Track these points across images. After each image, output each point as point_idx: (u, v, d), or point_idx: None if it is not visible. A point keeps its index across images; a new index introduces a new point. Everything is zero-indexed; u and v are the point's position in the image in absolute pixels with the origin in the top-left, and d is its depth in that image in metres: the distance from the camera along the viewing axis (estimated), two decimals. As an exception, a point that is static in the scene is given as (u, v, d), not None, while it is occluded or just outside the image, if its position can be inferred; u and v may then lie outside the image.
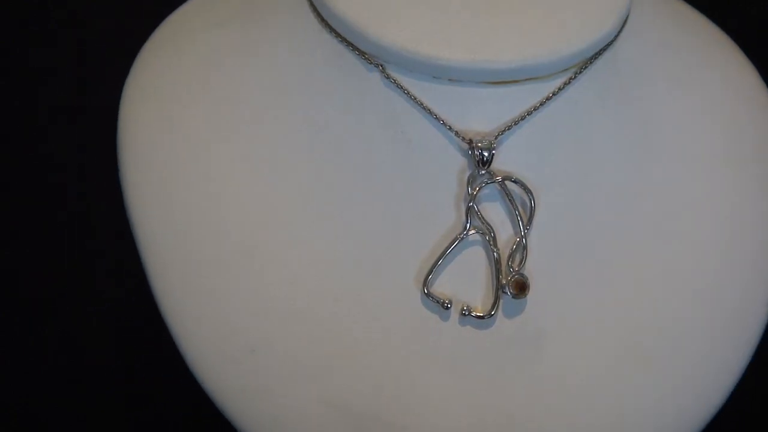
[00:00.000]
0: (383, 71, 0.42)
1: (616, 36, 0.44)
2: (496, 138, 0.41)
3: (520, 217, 0.42)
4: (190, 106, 0.45)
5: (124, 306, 0.67)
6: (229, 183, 0.43)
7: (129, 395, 0.63)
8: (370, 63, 0.42)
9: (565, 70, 0.42)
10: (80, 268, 0.69)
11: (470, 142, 0.41)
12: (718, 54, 0.49)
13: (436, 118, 0.42)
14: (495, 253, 0.42)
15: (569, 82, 0.42)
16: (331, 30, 0.43)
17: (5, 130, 0.76)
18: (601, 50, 0.43)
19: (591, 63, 0.43)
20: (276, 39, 0.45)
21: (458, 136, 0.42)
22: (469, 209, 0.41)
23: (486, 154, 0.41)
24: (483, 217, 0.42)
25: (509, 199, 0.42)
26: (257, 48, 0.45)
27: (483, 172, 0.41)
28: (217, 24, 0.47)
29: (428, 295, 0.41)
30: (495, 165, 0.42)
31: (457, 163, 0.42)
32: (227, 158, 0.43)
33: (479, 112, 0.42)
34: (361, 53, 0.42)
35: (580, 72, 0.43)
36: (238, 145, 0.43)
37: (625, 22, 0.44)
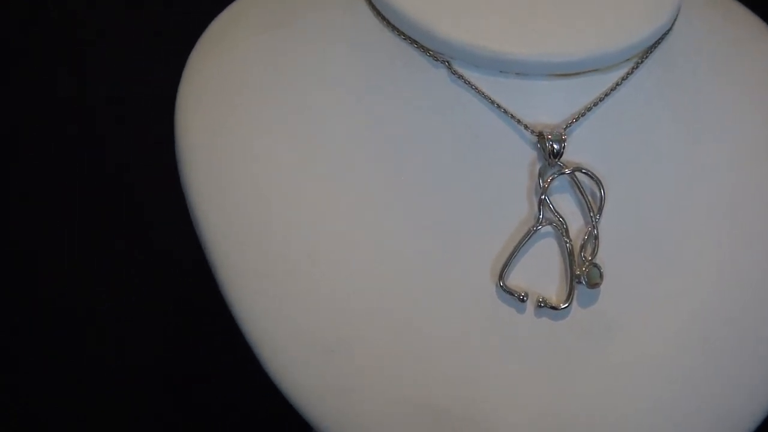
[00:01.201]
0: (450, 67, 0.42)
1: (671, 27, 0.45)
2: (565, 129, 0.42)
3: (590, 208, 0.42)
4: (252, 111, 0.44)
5: (195, 308, 0.67)
6: (296, 185, 0.43)
7: (205, 402, 0.63)
8: (436, 60, 0.42)
9: (627, 60, 0.43)
10: (145, 271, 0.69)
11: (540, 134, 0.42)
12: (764, 46, 0.50)
13: (505, 112, 0.42)
14: (568, 245, 0.42)
15: (631, 72, 0.43)
16: (393, 28, 0.43)
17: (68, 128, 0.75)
18: (658, 41, 0.44)
19: (649, 53, 0.43)
20: (335, 39, 0.45)
21: (527, 129, 0.42)
22: (541, 201, 0.42)
23: (557, 146, 0.41)
24: (555, 209, 0.42)
25: (579, 190, 0.42)
26: (316, 49, 0.45)
27: (554, 164, 0.42)
28: (270, 26, 0.47)
29: (504, 288, 0.42)
30: (563, 156, 0.42)
31: (526, 157, 0.42)
32: (292, 160, 0.43)
33: (546, 105, 0.42)
34: (426, 50, 0.42)
35: (641, 62, 0.43)
36: (302, 146, 0.43)
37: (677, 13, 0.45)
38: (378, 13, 0.44)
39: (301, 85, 0.44)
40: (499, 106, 0.42)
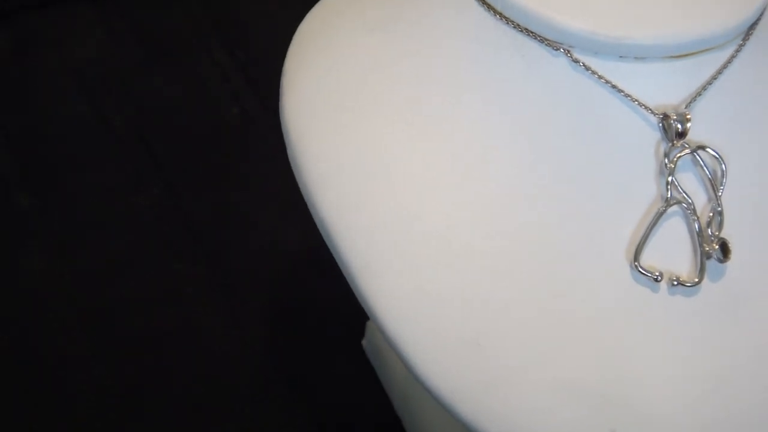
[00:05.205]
0: (570, 56, 0.43)
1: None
2: (686, 108, 0.43)
3: (713, 184, 0.43)
4: (367, 115, 0.44)
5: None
6: (427, 179, 0.43)
7: (328, 407, 0.63)
8: (556, 49, 0.43)
9: (736, 37, 0.44)
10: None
11: (665, 115, 0.42)
12: None
13: (627, 96, 0.43)
14: (696, 223, 0.43)
15: (740, 49, 0.44)
16: (507, 21, 0.43)
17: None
18: (760, 16, 0.45)
19: (753, 29, 0.44)
20: (446, 36, 0.45)
21: (650, 112, 0.43)
22: (669, 182, 0.43)
23: (681, 126, 0.42)
24: (681, 188, 0.43)
25: (702, 168, 0.43)
26: (429, 48, 0.45)
27: (678, 144, 0.43)
28: (372, 27, 0.46)
29: (639, 269, 0.42)
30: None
31: (650, 139, 0.43)
32: (421, 156, 0.43)
33: (665, 86, 0.43)
34: (544, 40, 0.43)
35: (748, 38, 0.44)
36: (430, 143, 0.43)
37: None
38: (489, 7, 0.44)
39: (420, 89, 0.44)
40: (621, 91, 0.43)
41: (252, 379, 0.65)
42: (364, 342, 0.68)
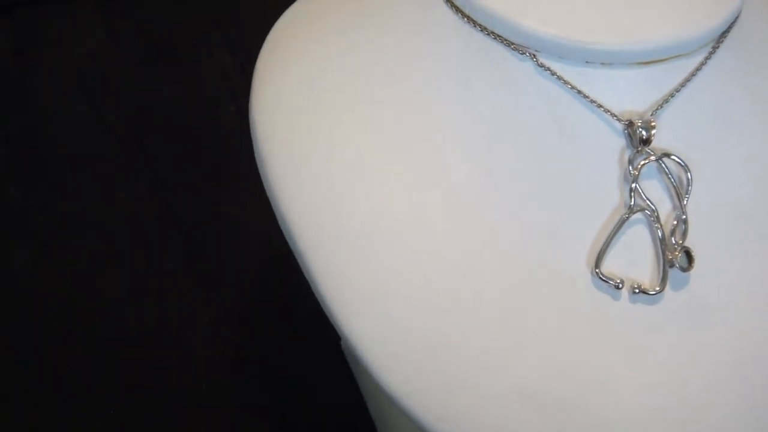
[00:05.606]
0: (536, 60, 0.42)
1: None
2: (652, 115, 0.42)
3: (678, 192, 0.43)
4: (341, 117, 0.44)
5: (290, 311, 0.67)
6: (386, 180, 0.43)
7: (302, 406, 0.63)
8: (522, 53, 0.42)
9: (705, 45, 0.43)
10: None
11: (630, 122, 0.42)
12: None
13: (593, 102, 0.42)
14: (659, 230, 0.43)
15: (710, 57, 0.44)
16: (476, 24, 0.43)
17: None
18: (731, 24, 0.44)
19: (724, 37, 0.44)
20: (413, 35, 0.45)
21: (615, 118, 0.42)
22: (632, 189, 0.42)
23: (646, 133, 0.42)
24: (645, 196, 0.43)
25: (667, 176, 0.43)
26: (398, 50, 0.45)
27: (643, 151, 0.42)
28: (341, 27, 0.46)
29: (600, 276, 0.42)
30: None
31: (615, 145, 0.43)
32: (381, 156, 0.43)
33: (631, 93, 0.43)
34: (510, 44, 0.43)
35: (718, 46, 0.44)
36: (392, 142, 0.43)
37: None
38: (457, 10, 0.44)
39: (385, 88, 0.44)
40: (586, 97, 0.42)
41: (228, 377, 0.65)
42: (342, 343, 0.69)
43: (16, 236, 0.74)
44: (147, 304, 0.69)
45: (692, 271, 0.43)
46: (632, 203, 0.42)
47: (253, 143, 0.46)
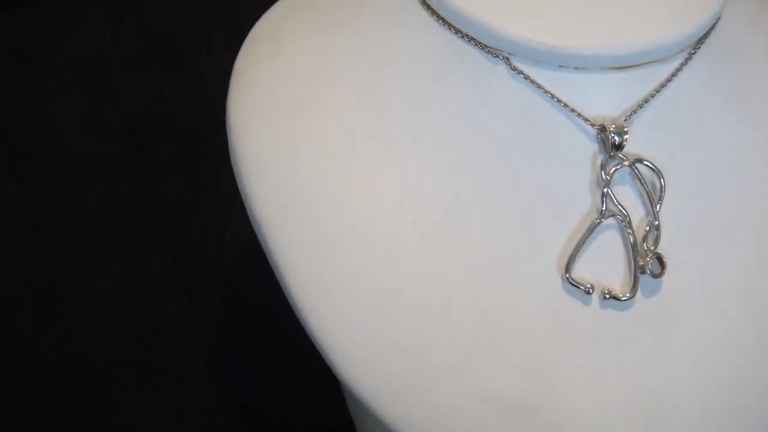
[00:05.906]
0: (509, 63, 0.42)
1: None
2: (625, 121, 0.42)
3: (651, 198, 0.43)
4: (313, 116, 0.44)
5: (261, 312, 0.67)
6: (357, 181, 0.43)
7: (284, 405, 0.63)
8: (495, 56, 0.42)
9: (681, 51, 0.43)
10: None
11: (602, 127, 0.42)
12: None
13: (565, 106, 0.42)
14: (631, 236, 0.42)
15: (686, 63, 0.43)
16: (450, 26, 0.43)
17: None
18: (709, 30, 0.44)
19: (702, 43, 0.44)
20: (392, 40, 0.45)
21: (588, 123, 0.42)
22: (604, 194, 0.42)
23: (618, 138, 0.42)
24: (617, 201, 0.42)
25: (640, 182, 0.43)
26: (373, 50, 0.45)
27: (615, 156, 0.42)
28: (318, 27, 0.47)
29: (571, 281, 0.42)
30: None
31: (587, 150, 0.43)
32: (353, 155, 0.43)
33: (605, 98, 0.43)
34: (484, 47, 0.42)
35: (694, 52, 0.44)
36: (365, 147, 0.43)
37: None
38: (433, 12, 0.44)
39: (361, 89, 0.44)
40: (559, 101, 0.42)
41: (210, 375, 0.65)
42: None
43: (9, 230, 0.75)
44: (135, 301, 0.69)
45: (664, 278, 0.43)
46: (604, 208, 0.42)
47: (228, 143, 0.46)
